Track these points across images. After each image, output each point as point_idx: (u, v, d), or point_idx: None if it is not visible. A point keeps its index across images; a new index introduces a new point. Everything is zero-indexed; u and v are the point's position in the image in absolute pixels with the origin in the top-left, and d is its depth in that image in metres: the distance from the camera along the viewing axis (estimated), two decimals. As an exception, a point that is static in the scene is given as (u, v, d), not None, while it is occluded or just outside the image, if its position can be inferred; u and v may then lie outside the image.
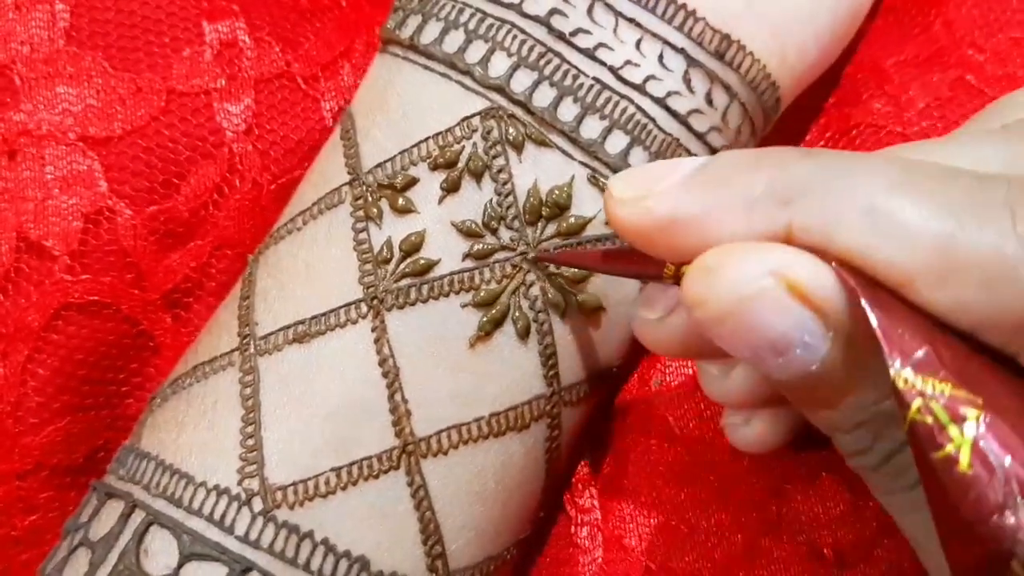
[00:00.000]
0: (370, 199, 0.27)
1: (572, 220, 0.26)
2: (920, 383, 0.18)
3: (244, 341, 0.27)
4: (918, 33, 0.34)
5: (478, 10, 0.27)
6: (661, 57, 0.27)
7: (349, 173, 0.28)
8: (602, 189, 0.27)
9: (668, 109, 0.27)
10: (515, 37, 0.27)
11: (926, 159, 0.20)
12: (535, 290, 0.26)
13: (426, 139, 0.27)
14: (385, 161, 0.27)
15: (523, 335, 0.26)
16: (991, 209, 0.18)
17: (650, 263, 0.22)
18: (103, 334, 0.31)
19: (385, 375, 0.26)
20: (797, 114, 0.34)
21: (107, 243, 0.30)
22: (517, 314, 0.26)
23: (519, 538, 0.28)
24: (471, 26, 0.27)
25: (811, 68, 0.29)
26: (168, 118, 0.31)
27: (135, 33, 0.31)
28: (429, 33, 0.28)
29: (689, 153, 0.27)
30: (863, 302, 0.18)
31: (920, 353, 0.18)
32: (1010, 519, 0.17)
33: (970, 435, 0.18)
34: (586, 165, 0.27)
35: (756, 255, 0.20)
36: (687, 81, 0.27)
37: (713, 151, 0.28)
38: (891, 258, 0.18)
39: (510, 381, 0.26)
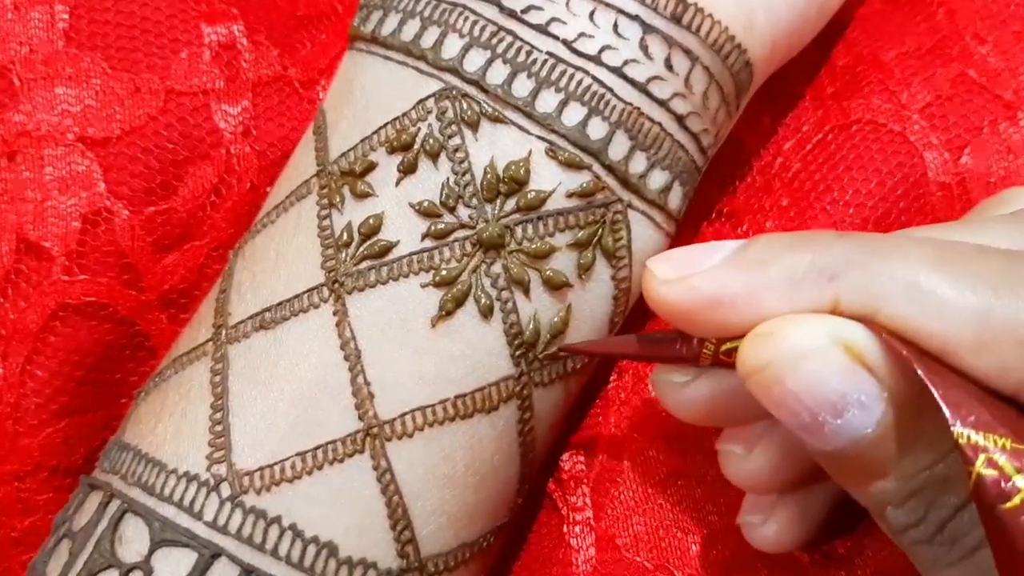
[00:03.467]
0: (333, 186, 0.27)
1: (531, 195, 0.26)
2: (982, 440, 0.19)
3: (217, 331, 0.27)
4: (920, 22, 0.33)
5: None
6: (616, 26, 0.26)
7: (318, 165, 0.28)
8: (560, 161, 0.26)
9: (625, 77, 0.26)
10: (467, 19, 0.27)
11: (947, 239, 0.22)
12: (497, 267, 0.26)
13: (384, 125, 0.27)
14: (348, 150, 0.27)
15: (486, 314, 0.26)
16: (1022, 281, 0.20)
17: (685, 345, 0.24)
18: (100, 335, 0.31)
19: (347, 358, 0.26)
20: (794, 104, 0.33)
21: (105, 244, 0.31)
22: (479, 292, 0.26)
23: (495, 525, 0.28)
24: (426, 13, 0.27)
25: (788, 34, 0.28)
26: (166, 118, 0.31)
27: (134, 34, 0.31)
28: (389, 25, 0.28)
29: (652, 121, 0.27)
30: (917, 367, 0.19)
31: (976, 412, 0.19)
32: None
33: None
34: (543, 139, 0.26)
35: (813, 321, 0.21)
36: (644, 48, 0.26)
37: (678, 118, 0.27)
38: (934, 330, 0.20)
39: (475, 362, 0.26)
